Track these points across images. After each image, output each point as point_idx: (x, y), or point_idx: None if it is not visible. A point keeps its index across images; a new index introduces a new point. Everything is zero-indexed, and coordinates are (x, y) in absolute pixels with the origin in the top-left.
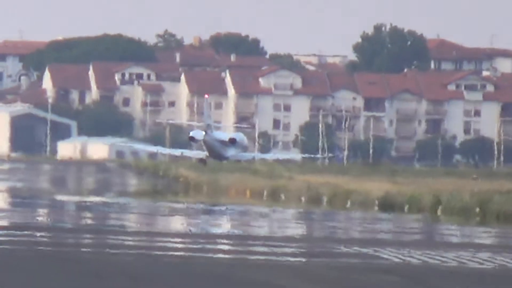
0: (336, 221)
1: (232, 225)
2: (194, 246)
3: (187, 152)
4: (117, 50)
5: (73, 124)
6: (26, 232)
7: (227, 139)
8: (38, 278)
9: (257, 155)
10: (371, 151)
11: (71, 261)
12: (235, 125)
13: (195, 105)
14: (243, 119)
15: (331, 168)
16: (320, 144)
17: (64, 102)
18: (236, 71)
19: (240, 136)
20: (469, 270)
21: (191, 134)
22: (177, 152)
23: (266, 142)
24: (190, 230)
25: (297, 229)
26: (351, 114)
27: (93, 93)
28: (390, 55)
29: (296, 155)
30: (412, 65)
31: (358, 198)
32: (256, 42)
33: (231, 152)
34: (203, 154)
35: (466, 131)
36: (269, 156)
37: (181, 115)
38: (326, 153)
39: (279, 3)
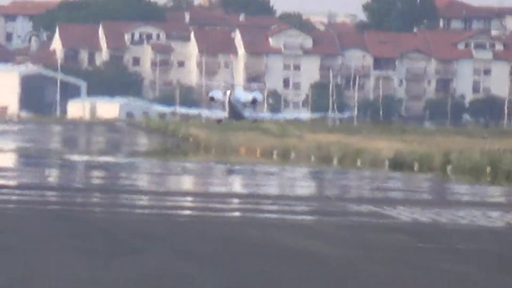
0: (346, 180)
1: (242, 183)
2: (203, 205)
3: (205, 112)
4: (127, 10)
5: (83, 85)
6: (35, 192)
7: (249, 99)
8: (47, 238)
9: (274, 115)
10: (381, 110)
11: (80, 220)
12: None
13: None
14: (253, 79)
15: (341, 128)
16: (330, 103)
17: (73, 62)
18: (246, 30)
19: (260, 96)
20: (479, 228)
21: (211, 94)
22: (195, 111)
23: (276, 102)
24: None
25: (306, 188)
26: (361, 73)
27: (103, 54)
28: (400, 14)
29: (312, 114)
30: (422, 24)
31: (368, 157)
32: (265, 1)
33: (248, 112)
34: (221, 114)
35: (476, 90)
36: (286, 116)
37: (191, 75)
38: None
39: None
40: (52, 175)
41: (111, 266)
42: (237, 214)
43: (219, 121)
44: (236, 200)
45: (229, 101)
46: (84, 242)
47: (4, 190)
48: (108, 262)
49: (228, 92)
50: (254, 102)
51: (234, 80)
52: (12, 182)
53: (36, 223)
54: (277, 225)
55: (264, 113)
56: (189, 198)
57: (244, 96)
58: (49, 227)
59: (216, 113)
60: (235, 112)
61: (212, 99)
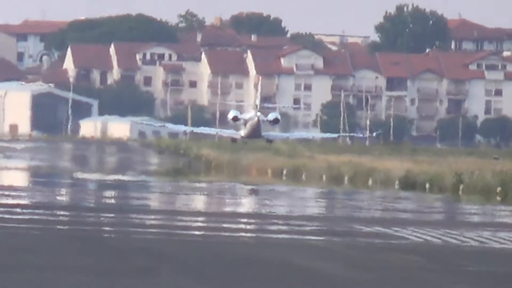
0: (357, 200)
1: (253, 203)
2: (215, 225)
3: (222, 132)
4: (138, 30)
5: (95, 103)
6: (47, 211)
7: (272, 119)
8: (59, 257)
9: (292, 134)
10: (391, 130)
11: (92, 240)
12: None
13: (219, 85)
14: (265, 99)
15: (352, 148)
16: (341, 123)
17: (85, 81)
18: (258, 51)
19: (279, 116)
20: (490, 250)
21: (234, 114)
22: (212, 131)
23: (286, 122)
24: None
25: (317, 208)
26: (373, 93)
27: (114, 73)
28: (412, 35)
29: (330, 134)
30: (434, 45)
31: (379, 177)
32: (277, 22)
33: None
34: (238, 133)
35: (487, 110)
36: (303, 136)
37: (202, 95)
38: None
39: None
40: (63, 194)
41: (121, 286)
42: (247, 234)
43: (234, 140)
44: (246, 220)
45: (257, 121)
46: (95, 261)
47: (16, 210)
48: (118, 281)
49: (257, 112)
50: (275, 122)
51: (258, 100)
52: (23, 202)
53: (47, 243)
54: (288, 245)
55: (281, 133)
56: (200, 218)
57: (268, 116)
58: (60, 247)
59: (231, 132)
60: (256, 131)
61: (236, 119)
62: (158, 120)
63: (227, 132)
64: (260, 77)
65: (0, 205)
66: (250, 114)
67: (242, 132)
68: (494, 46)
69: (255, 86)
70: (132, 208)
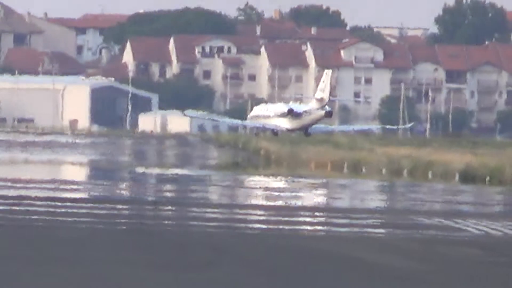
0: (417, 193)
1: (314, 197)
2: (276, 218)
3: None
4: (197, 24)
5: (154, 98)
6: (107, 205)
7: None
8: (120, 251)
9: (337, 127)
10: (450, 123)
11: (153, 234)
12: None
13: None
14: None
15: (412, 140)
16: (401, 116)
17: (144, 75)
18: (317, 43)
19: (331, 110)
20: None
21: (290, 107)
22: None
23: (346, 115)
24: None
25: (378, 201)
26: (432, 86)
27: (174, 67)
28: (471, 27)
29: (373, 126)
30: (493, 37)
31: (439, 170)
32: (337, 14)
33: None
34: (283, 126)
35: None
36: (346, 128)
37: (261, 88)
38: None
39: None
40: (124, 189)
41: (182, 280)
42: (308, 227)
43: (275, 133)
44: (308, 213)
45: (324, 114)
46: (156, 255)
47: (78, 204)
48: (179, 276)
49: (325, 105)
50: (329, 115)
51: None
52: (83, 196)
53: (109, 237)
54: (350, 239)
55: (327, 126)
56: (259, 212)
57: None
58: (121, 241)
59: (272, 125)
60: (309, 125)
61: (291, 111)
62: (217, 113)
63: (270, 125)
64: (330, 71)
65: (62, 200)
66: (308, 107)
67: (289, 125)
68: None
69: (323, 79)
70: (191, 201)
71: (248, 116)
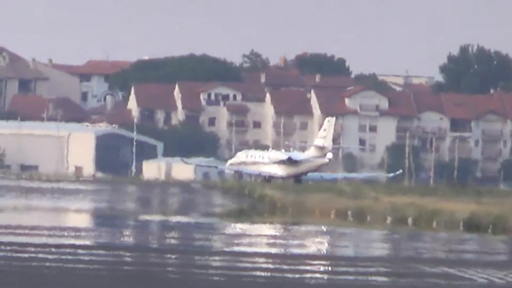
0: (422, 242)
1: (318, 245)
2: (280, 267)
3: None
4: (202, 70)
5: (159, 145)
6: (112, 252)
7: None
8: None
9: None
10: (455, 171)
11: (156, 280)
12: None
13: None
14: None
15: (416, 189)
16: (406, 165)
17: (149, 122)
18: (321, 91)
19: (331, 157)
20: None
21: (289, 155)
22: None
23: (352, 163)
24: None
25: (382, 250)
26: (437, 135)
27: (179, 113)
28: (476, 76)
29: (374, 174)
30: (498, 86)
31: (443, 218)
32: (341, 62)
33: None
34: (280, 173)
35: None
36: (342, 176)
37: (266, 136)
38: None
39: (364, 23)
40: (127, 235)
41: None
42: (313, 275)
43: (269, 180)
44: (312, 262)
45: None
46: None
47: (80, 251)
48: None
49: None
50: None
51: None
52: (87, 242)
53: (113, 283)
54: (355, 286)
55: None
56: (262, 260)
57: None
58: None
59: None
60: (305, 173)
61: (290, 160)
62: (221, 161)
63: (265, 172)
64: (333, 118)
65: (66, 246)
66: (305, 155)
67: (284, 172)
68: None
69: (326, 127)
70: (194, 249)
71: (229, 161)
